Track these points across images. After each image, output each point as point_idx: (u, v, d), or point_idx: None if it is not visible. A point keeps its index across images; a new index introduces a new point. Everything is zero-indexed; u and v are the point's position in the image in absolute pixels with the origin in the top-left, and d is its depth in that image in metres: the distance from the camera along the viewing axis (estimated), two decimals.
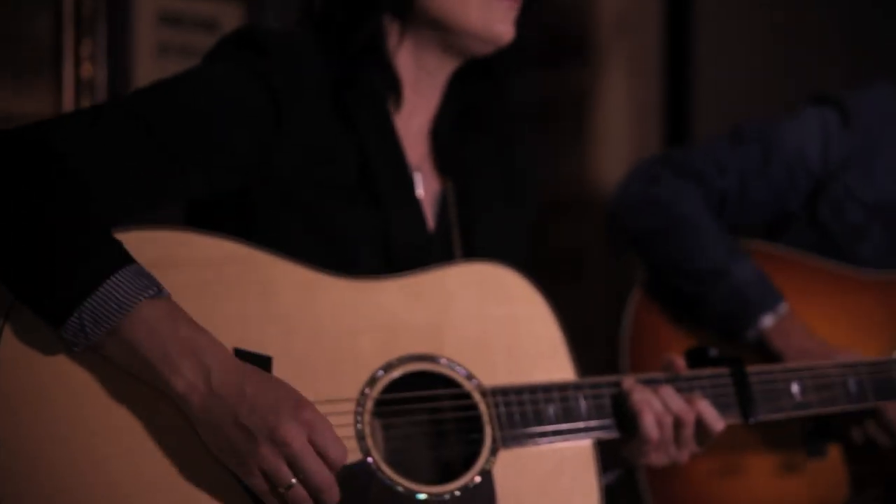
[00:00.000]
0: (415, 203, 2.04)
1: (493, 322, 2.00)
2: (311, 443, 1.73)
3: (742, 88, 4.54)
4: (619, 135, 3.75)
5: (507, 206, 2.16)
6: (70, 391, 1.75)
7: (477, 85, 2.12)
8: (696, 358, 2.16)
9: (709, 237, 2.69)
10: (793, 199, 2.77)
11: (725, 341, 2.66)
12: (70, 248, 1.71)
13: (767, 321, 2.62)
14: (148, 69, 3.39)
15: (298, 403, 1.74)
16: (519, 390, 1.97)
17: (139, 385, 1.75)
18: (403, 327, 1.93)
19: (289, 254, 1.88)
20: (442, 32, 2.03)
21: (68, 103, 3.17)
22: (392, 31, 2.04)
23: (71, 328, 1.70)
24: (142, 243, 1.77)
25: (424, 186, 2.09)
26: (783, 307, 2.63)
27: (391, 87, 2.03)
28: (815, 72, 4.46)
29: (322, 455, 1.75)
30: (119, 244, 1.75)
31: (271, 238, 1.89)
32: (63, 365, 1.75)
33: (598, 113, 3.73)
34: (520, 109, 2.19)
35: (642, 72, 3.83)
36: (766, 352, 2.63)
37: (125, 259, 1.73)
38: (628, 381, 2.04)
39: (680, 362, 2.11)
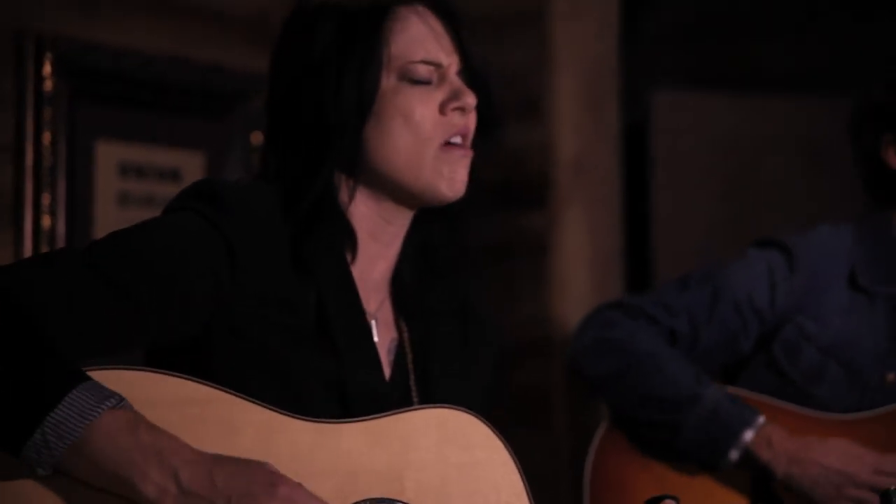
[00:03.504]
0: (372, 352, 2.04)
1: (453, 468, 1.98)
2: None
3: (701, 229, 4.60)
4: (579, 277, 3.77)
5: (465, 350, 2.15)
6: None
7: (432, 226, 2.13)
8: None
9: (672, 367, 2.69)
10: (743, 341, 2.78)
11: (698, 469, 2.64)
12: (29, 373, 1.73)
13: (748, 436, 2.61)
14: (109, 219, 3.38)
15: (272, 480, 1.76)
16: None
17: (107, 498, 1.75)
18: (363, 471, 1.91)
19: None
20: (395, 190, 2.05)
21: (28, 254, 3.17)
22: (344, 186, 2.06)
23: (34, 445, 1.71)
24: (104, 383, 1.77)
25: (380, 334, 2.08)
26: (761, 419, 2.61)
27: (346, 239, 2.05)
28: (775, 215, 4.52)
29: None
30: (75, 366, 1.77)
31: (226, 380, 1.88)
32: (27, 491, 1.74)
33: (557, 255, 3.75)
34: (478, 252, 2.19)
35: (601, 213, 3.86)
36: (750, 468, 2.61)
37: (82, 376, 1.75)
38: None
39: None
